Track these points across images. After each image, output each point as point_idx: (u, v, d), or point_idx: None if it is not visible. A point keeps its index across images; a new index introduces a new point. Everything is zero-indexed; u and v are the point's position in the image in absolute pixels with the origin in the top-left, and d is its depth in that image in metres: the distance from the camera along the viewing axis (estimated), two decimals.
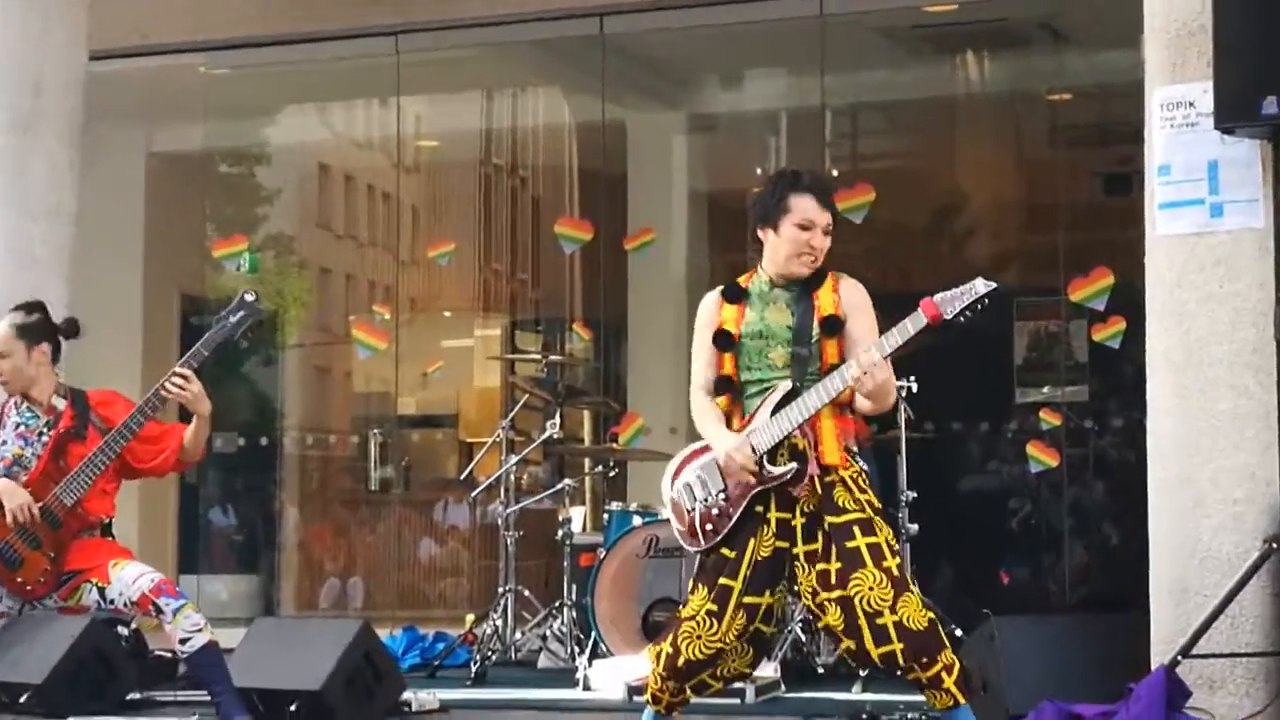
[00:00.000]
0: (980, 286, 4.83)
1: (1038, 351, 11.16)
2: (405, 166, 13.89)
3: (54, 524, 6.35)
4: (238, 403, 12.73)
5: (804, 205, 5.07)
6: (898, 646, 4.83)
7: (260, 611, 11.67)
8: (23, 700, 7.03)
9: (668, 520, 7.78)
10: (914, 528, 7.74)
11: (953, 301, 4.81)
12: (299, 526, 12.77)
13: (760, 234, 5.13)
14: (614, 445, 9.30)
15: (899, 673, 4.91)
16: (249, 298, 6.36)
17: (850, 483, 5.00)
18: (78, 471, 6.34)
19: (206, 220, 12.25)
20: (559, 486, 8.72)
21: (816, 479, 4.99)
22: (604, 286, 11.71)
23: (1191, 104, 5.93)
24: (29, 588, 6.40)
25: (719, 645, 5.03)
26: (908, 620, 4.84)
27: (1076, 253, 10.57)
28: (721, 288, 5.21)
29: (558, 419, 8.72)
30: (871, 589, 4.86)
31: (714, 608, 5.03)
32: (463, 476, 9.15)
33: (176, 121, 11.11)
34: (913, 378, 7.79)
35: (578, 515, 8.87)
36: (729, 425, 5.09)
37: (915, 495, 7.81)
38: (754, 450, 5.00)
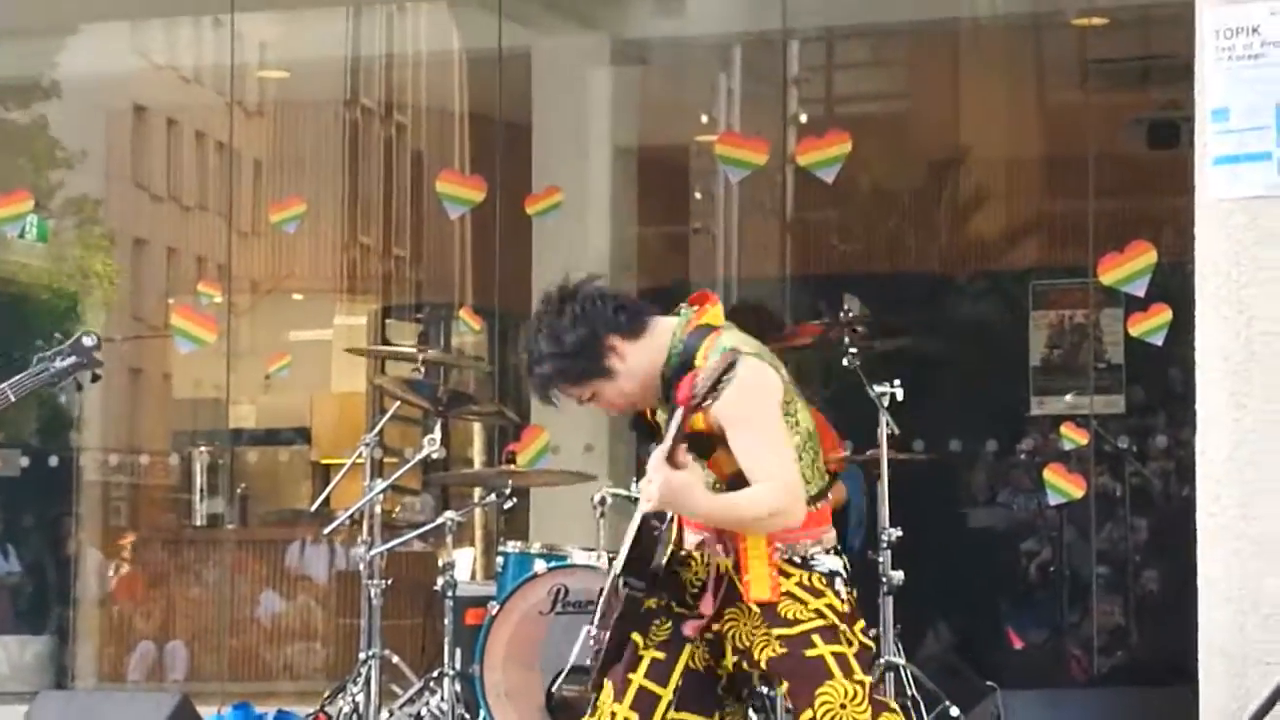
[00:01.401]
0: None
1: (1060, 349, 11.21)
2: (245, 107, 13.82)
3: None
4: (21, 410, 12.57)
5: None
6: None
7: (48, 683, 11.58)
8: None
9: (581, 566, 7.89)
10: (898, 575, 7.74)
11: (706, 379, 4.76)
12: (102, 574, 12.68)
13: None
14: (512, 467, 9.25)
15: None
16: (88, 342, 6.35)
17: (799, 591, 4.98)
18: None
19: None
20: (439, 521, 8.66)
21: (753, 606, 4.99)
22: (501, 263, 11.66)
23: (1255, 29, 5.95)
24: None
25: None
26: None
27: (1110, 222, 10.62)
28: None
29: (439, 434, 8.67)
30: (844, 706, 4.86)
31: (633, 716, 5.03)
32: (314, 508, 9.06)
33: None
34: (897, 382, 7.79)
35: (464, 559, 8.86)
36: None
37: (900, 534, 7.81)
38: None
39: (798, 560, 4.98)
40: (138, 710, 7.07)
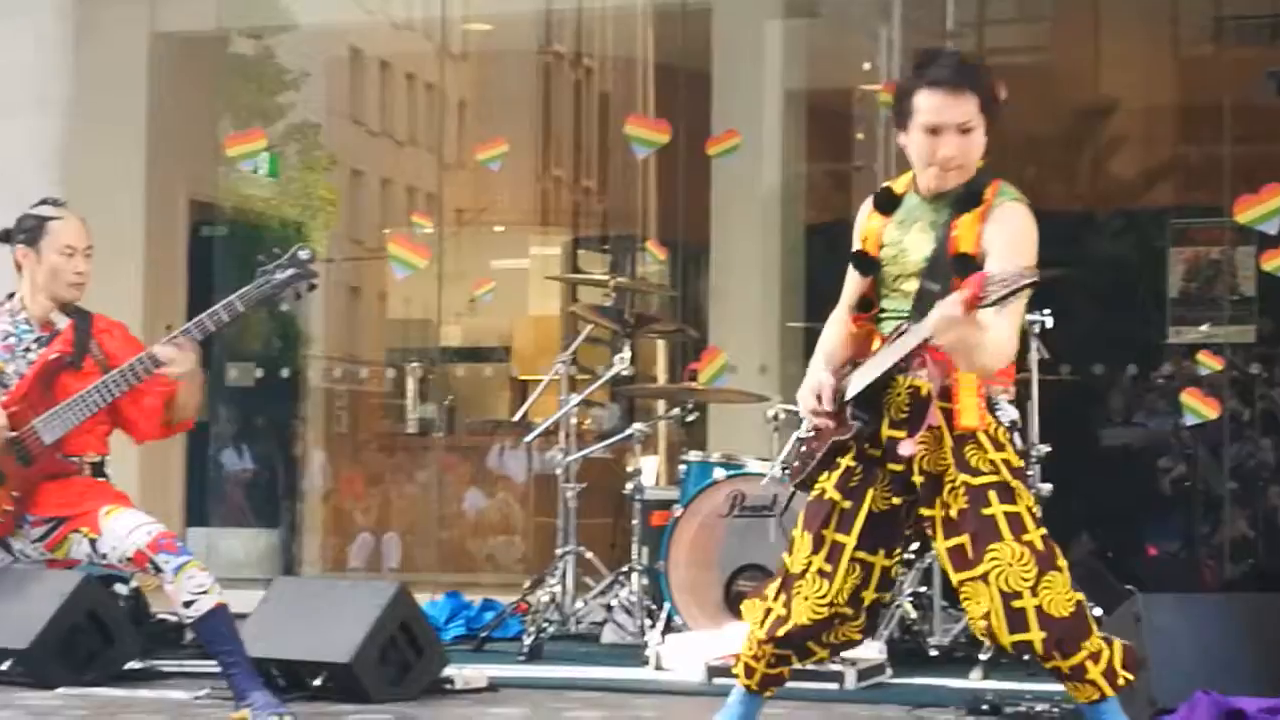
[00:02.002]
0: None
1: (1196, 283, 11.05)
2: (451, 53, 13.86)
3: (24, 459, 6.33)
4: (255, 328, 12.73)
5: (930, 103, 4.86)
6: (1037, 635, 4.77)
7: (280, 571, 11.73)
8: (4, 668, 7.09)
9: (756, 474, 7.88)
10: (1046, 488, 7.67)
11: (1001, 288, 4.59)
12: (326, 473, 12.81)
13: (900, 137, 5.01)
14: (693, 384, 9.25)
15: (1036, 662, 4.86)
16: (303, 255, 6.30)
17: (985, 439, 4.90)
18: (64, 407, 6.31)
19: (220, 113, 12.22)
20: (628, 432, 8.68)
21: (946, 435, 4.90)
22: (683, 199, 11.65)
23: None
24: None
25: (829, 610, 5.00)
26: (1050, 605, 4.78)
27: (1244, 165, 10.44)
28: (875, 193, 5.09)
29: (628, 353, 8.68)
30: (1011, 565, 4.79)
31: (827, 567, 4.99)
32: (516, 418, 9.14)
33: None
34: (1047, 311, 7.71)
35: (649, 466, 8.87)
36: (867, 351, 5.04)
37: (1049, 449, 7.73)
38: (841, 395, 4.96)
39: (994, 401, 4.94)
40: (361, 596, 7.10)
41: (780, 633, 5.07)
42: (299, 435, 12.68)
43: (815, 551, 5.02)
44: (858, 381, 4.95)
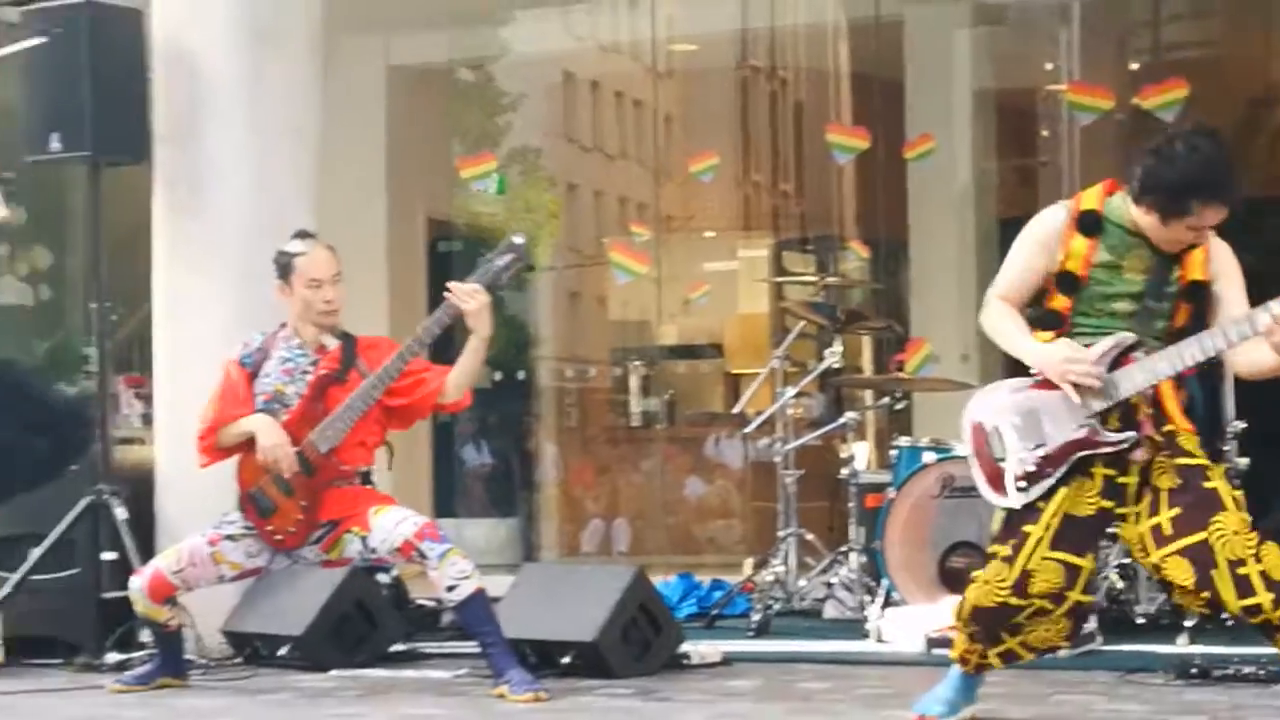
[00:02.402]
0: None
1: None
2: (657, 72, 13.94)
3: (308, 470, 6.49)
4: (496, 329, 12.90)
5: (1208, 215, 4.92)
6: (1265, 598, 4.73)
7: (519, 557, 11.83)
8: (282, 653, 7.26)
9: (964, 457, 7.82)
10: (1244, 462, 7.53)
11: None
12: (558, 465, 12.91)
13: (1139, 203, 4.99)
14: (900, 375, 9.21)
15: (1264, 626, 4.81)
16: (517, 240, 6.42)
17: (1188, 436, 4.96)
18: (335, 417, 6.47)
19: (450, 137, 12.39)
20: (842, 421, 8.66)
21: (1157, 435, 4.94)
22: (880, 199, 11.60)
23: None
24: (279, 537, 6.55)
25: (1008, 598, 4.98)
26: (1273, 570, 4.75)
27: None
28: (1072, 211, 5.06)
29: (839, 347, 8.67)
30: (1236, 533, 4.77)
31: (1008, 552, 4.98)
32: (735, 410, 9.14)
33: (416, 30, 11.22)
34: None
35: (861, 452, 8.82)
36: None
37: (1245, 425, 7.59)
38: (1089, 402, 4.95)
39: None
40: (602, 580, 7.17)
41: (967, 619, 5.10)
42: (532, 431, 12.80)
43: (1003, 542, 5.03)
44: (1132, 383, 4.94)
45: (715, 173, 11.60)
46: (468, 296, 6.32)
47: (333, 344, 6.64)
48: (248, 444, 6.56)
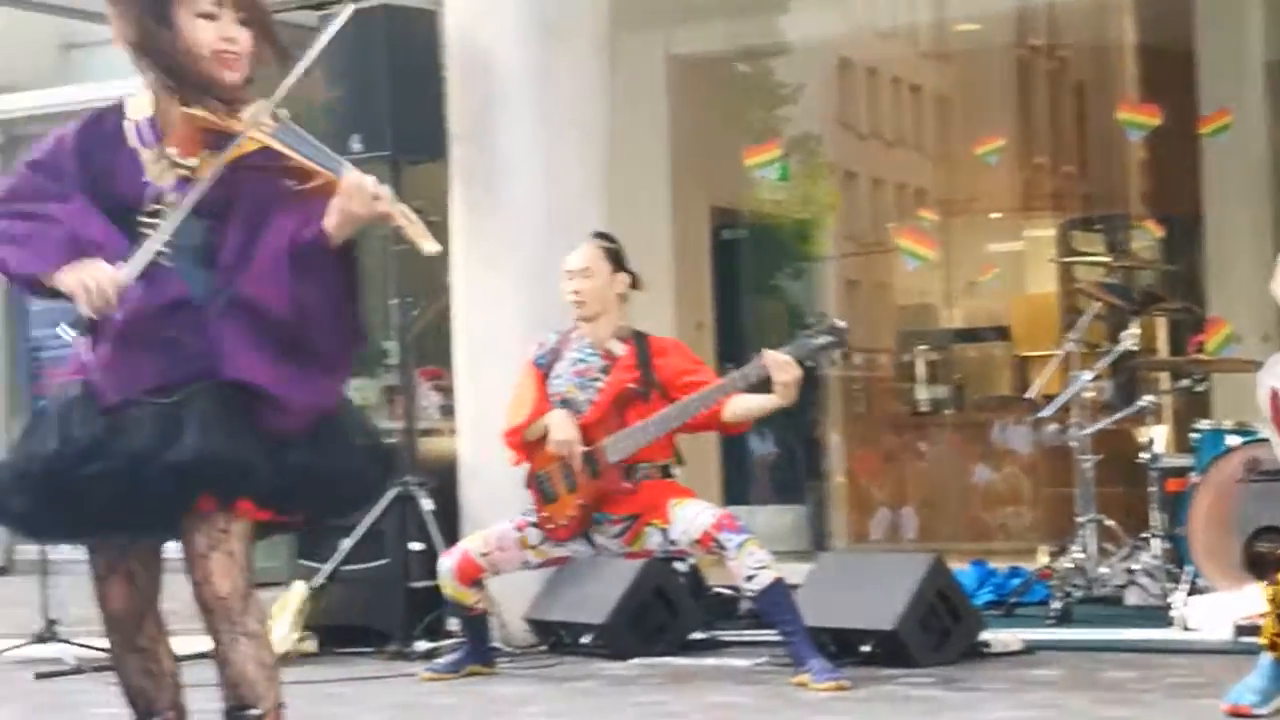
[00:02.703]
0: None
1: None
2: (935, 54, 13.81)
3: (593, 472, 6.58)
4: (774, 320, 12.91)
5: None
6: None
7: (807, 544, 11.83)
8: (585, 641, 7.36)
9: (1268, 440, 7.62)
10: None
11: None
12: (844, 453, 12.88)
13: None
14: (1200, 356, 9.01)
15: None
16: (840, 325, 6.48)
17: None
18: (631, 433, 6.55)
19: (730, 127, 12.42)
20: (1141, 404, 8.50)
21: None
22: (1171, 177, 11.34)
23: None
24: (552, 526, 6.66)
25: None
26: None
27: None
28: None
29: (1136, 329, 8.51)
30: None
31: None
32: (1030, 395, 9.02)
33: (695, 21, 11.27)
34: None
35: (1159, 436, 8.64)
36: None
37: None
38: None
39: None
40: (900, 567, 7.16)
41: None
42: (818, 419, 12.78)
43: None
44: None
45: (999, 155, 11.47)
46: (781, 368, 6.34)
47: (620, 349, 6.71)
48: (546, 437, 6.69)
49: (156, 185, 3.92)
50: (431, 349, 10.00)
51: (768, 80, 13.61)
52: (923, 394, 12.98)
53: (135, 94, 4.02)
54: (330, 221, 3.78)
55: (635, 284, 6.85)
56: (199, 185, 3.88)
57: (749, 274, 12.55)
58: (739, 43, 12.32)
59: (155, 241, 3.86)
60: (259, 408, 3.83)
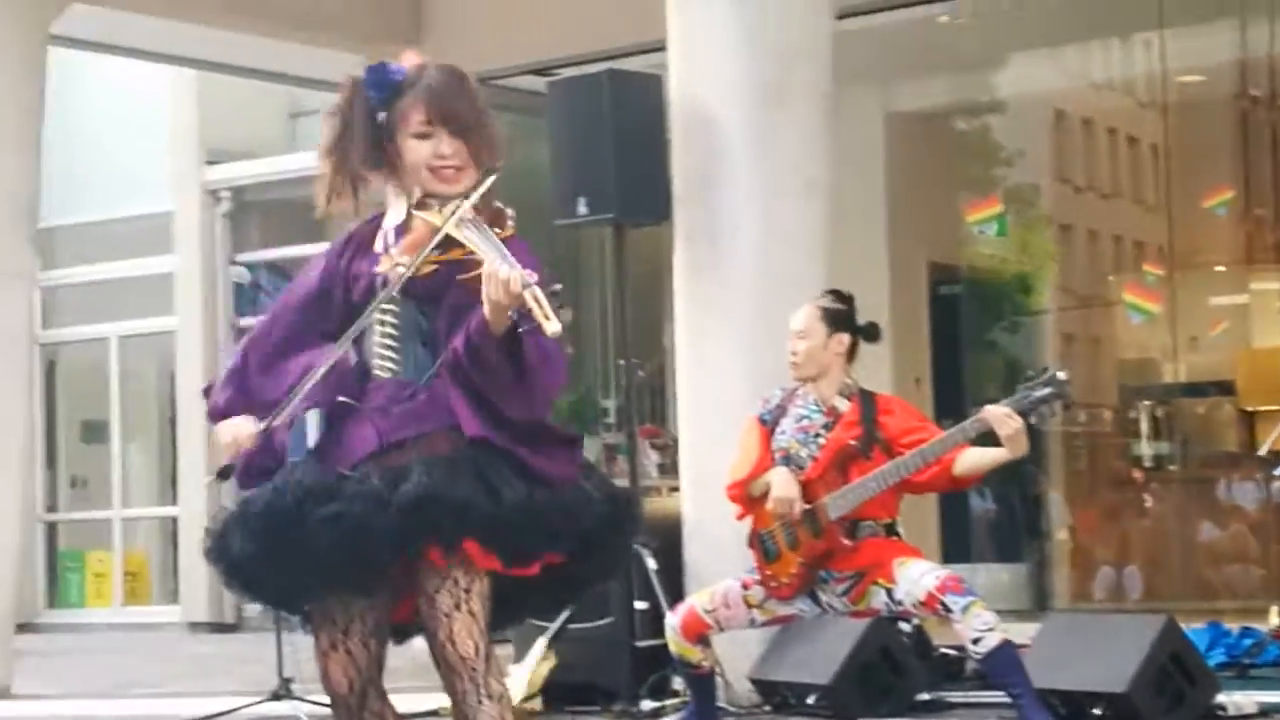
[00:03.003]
0: None
1: None
2: (1153, 106, 13.66)
3: (815, 530, 6.57)
4: (992, 374, 12.80)
5: None
6: None
7: (1029, 603, 11.69)
8: (810, 701, 7.35)
9: None
10: None
11: None
12: (1065, 510, 12.72)
13: None
14: None
15: None
16: (1061, 376, 6.40)
17: None
18: (853, 489, 6.52)
19: (947, 181, 12.40)
20: None
21: None
22: None
23: None
24: (774, 584, 6.64)
25: None
26: None
27: None
28: None
29: None
30: None
31: None
32: (1261, 452, 8.82)
33: (914, 78, 11.28)
34: None
35: None
36: None
37: None
38: None
39: None
40: (1131, 627, 7.06)
41: None
42: (1038, 476, 12.64)
43: None
44: None
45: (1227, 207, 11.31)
46: (1001, 422, 6.29)
47: (844, 405, 6.70)
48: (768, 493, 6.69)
49: (382, 277, 4.16)
50: (648, 407, 10.09)
51: (983, 135, 13.55)
52: (1145, 450, 12.77)
53: (393, 205, 4.25)
54: (485, 310, 3.93)
55: (872, 335, 6.84)
56: (402, 275, 4.08)
57: (967, 329, 12.48)
58: (955, 98, 12.30)
59: (300, 392, 4.08)
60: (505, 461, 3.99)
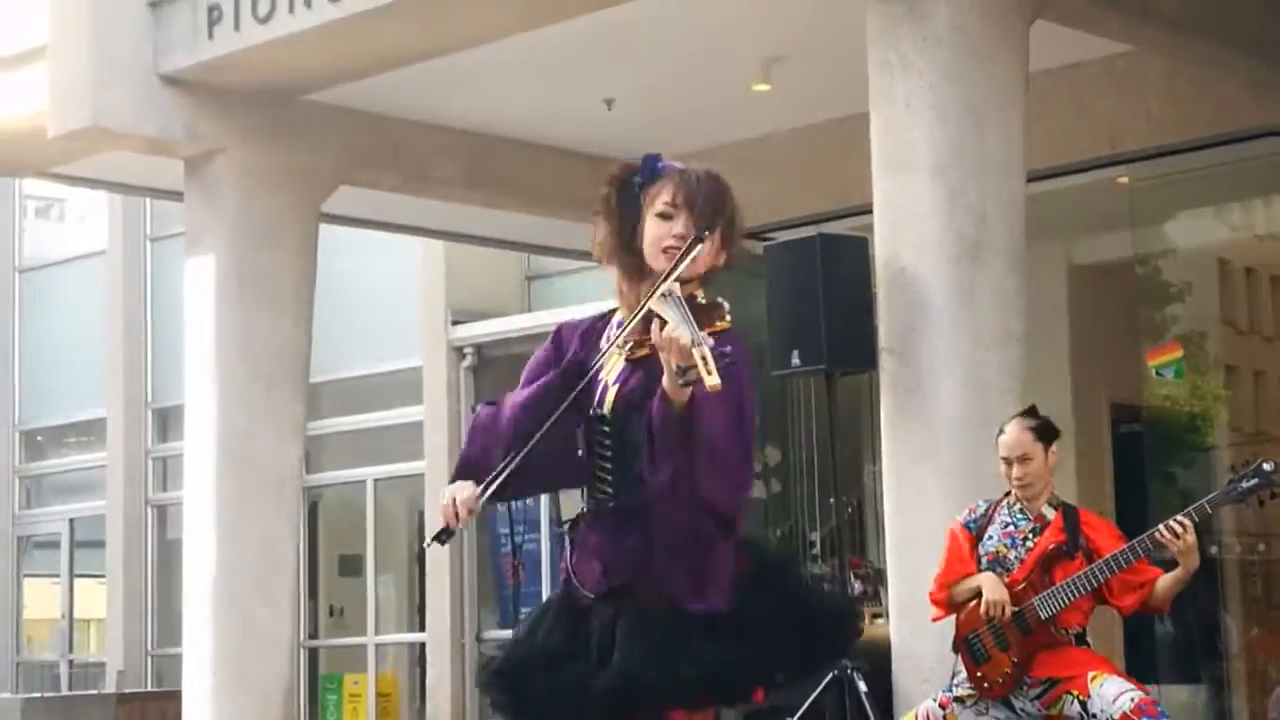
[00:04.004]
0: None
1: None
2: None
3: (1024, 630, 6.44)
4: (1170, 507, 12.51)
5: None
6: None
7: None
8: None
9: None
10: None
11: None
12: (1241, 634, 12.37)
13: None
14: None
15: None
16: (1267, 467, 6.27)
17: None
18: (1060, 589, 6.41)
19: (1127, 326, 12.22)
20: None
21: None
22: None
23: None
24: (987, 684, 6.51)
25: None
26: None
27: None
28: None
29: None
30: None
31: None
32: None
33: (1095, 234, 11.16)
34: None
35: None
36: None
37: None
38: None
39: None
40: None
41: None
42: (1216, 601, 12.32)
43: None
44: None
45: None
46: (1173, 535, 6.21)
47: (1051, 513, 6.60)
48: (974, 597, 6.56)
49: (605, 386, 4.03)
50: (849, 539, 9.95)
51: (1156, 282, 13.36)
52: None
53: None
54: (665, 381, 3.77)
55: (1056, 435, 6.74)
56: (608, 348, 3.97)
57: (1152, 465, 12.23)
58: (1129, 251, 12.16)
59: (512, 462, 3.94)
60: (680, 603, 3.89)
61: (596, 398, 4.02)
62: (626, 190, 4.07)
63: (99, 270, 18.34)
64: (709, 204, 3.99)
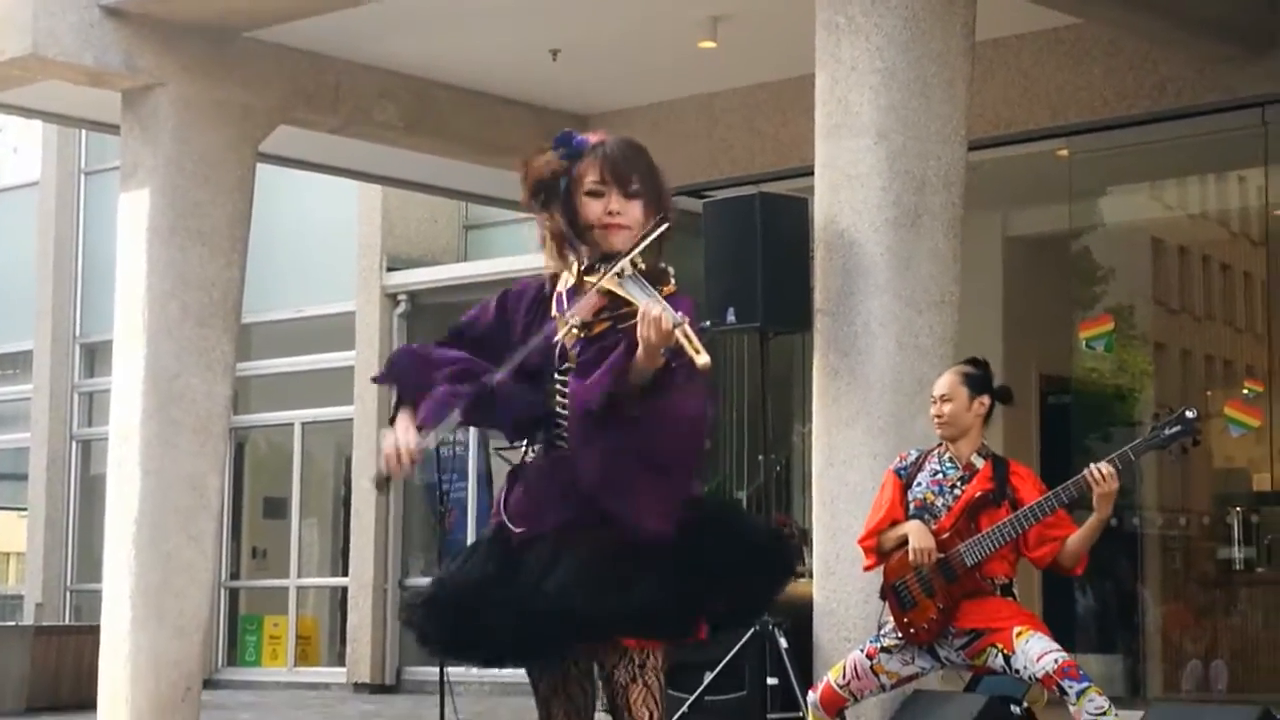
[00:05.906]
0: None
1: None
2: (1247, 238, 13.48)
3: (950, 577, 6.52)
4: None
5: None
6: None
7: (1120, 692, 11.46)
8: None
9: None
10: None
11: None
12: (1158, 607, 12.54)
13: None
14: None
15: None
16: (1190, 415, 6.34)
17: None
18: (985, 536, 6.49)
19: (1058, 300, 12.31)
20: None
21: None
22: None
23: None
24: (913, 630, 6.59)
25: None
26: None
27: None
28: None
29: None
30: None
31: None
32: None
33: (1033, 205, 11.22)
34: None
35: None
36: None
37: None
38: None
39: None
40: (1228, 717, 6.89)
41: None
42: (1134, 574, 12.47)
43: None
44: None
45: None
46: (1100, 479, 6.27)
47: (980, 463, 6.68)
48: (902, 545, 6.61)
49: (563, 345, 4.07)
50: (774, 497, 9.99)
51: (1090, 257, 13.46)
52: (1236, 553, 12.54)
53: (568, 268, 4.14)
54: (638, 353, 3.85)
55: (1006, 398, 6.82)
56: (571, 327, 3.99)
57: (1077, 435, 12.34)
58: (1065, 225, 12.24)
59: (455, 411, 4.00)
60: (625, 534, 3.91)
61: (556, 357, 4.07)
62: (553, 188, 4.13)
63: (31, 202, 18.16)
64: (635, 177, 4.09)
